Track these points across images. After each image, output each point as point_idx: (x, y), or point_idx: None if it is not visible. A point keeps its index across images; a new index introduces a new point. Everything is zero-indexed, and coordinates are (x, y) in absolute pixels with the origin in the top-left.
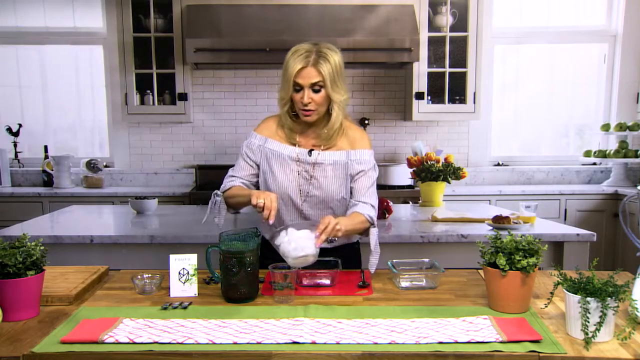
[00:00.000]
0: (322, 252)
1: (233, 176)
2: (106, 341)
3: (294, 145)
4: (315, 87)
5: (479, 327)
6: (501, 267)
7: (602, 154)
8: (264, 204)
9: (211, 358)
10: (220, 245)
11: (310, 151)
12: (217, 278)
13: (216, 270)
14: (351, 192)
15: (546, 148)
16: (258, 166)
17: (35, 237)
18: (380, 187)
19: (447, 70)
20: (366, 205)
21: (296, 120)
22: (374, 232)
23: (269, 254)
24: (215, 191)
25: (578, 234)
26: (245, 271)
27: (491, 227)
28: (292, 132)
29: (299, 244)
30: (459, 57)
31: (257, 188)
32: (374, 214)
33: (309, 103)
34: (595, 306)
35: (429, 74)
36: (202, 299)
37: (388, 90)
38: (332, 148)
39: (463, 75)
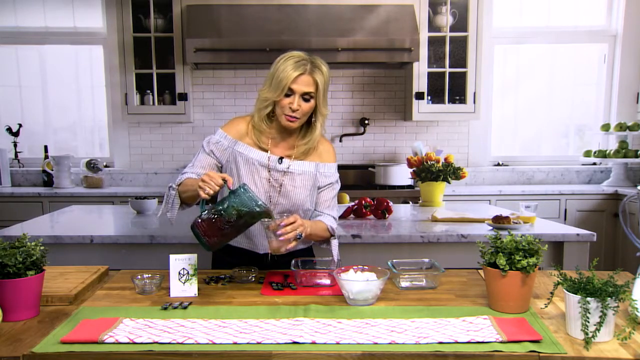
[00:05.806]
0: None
1: (187, 172)
2: (106, 341)
3: (265, 150)
4: (306, 97)
5: (479, 327)
6: (501, 267)
7: (602, 154)
8: (212, 188)
9: (211, 358)
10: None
11: (280, 159)
12: (203, 208)
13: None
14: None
15: (546, 148)
16: (221, 166)
17: (35, 237)
18: (381, 187)
19: (447, 70)
20: (329, 217)
21: (270, 126)
22: (334, 244)
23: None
24: (170, 184)
25: (578, 234)
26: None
27: (491, 227)
28: (262, 135)
29: (362, 288)
30: (459, 57)
31: None
32: (335, 225)
33: (297, 110)
34: (595, 306)
35: (429, 74)
36: (202, 299)
37: (388, 90)
38: (302, 159)
39: (463, 75)
